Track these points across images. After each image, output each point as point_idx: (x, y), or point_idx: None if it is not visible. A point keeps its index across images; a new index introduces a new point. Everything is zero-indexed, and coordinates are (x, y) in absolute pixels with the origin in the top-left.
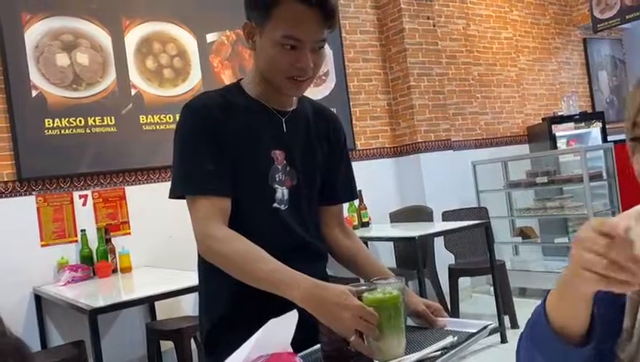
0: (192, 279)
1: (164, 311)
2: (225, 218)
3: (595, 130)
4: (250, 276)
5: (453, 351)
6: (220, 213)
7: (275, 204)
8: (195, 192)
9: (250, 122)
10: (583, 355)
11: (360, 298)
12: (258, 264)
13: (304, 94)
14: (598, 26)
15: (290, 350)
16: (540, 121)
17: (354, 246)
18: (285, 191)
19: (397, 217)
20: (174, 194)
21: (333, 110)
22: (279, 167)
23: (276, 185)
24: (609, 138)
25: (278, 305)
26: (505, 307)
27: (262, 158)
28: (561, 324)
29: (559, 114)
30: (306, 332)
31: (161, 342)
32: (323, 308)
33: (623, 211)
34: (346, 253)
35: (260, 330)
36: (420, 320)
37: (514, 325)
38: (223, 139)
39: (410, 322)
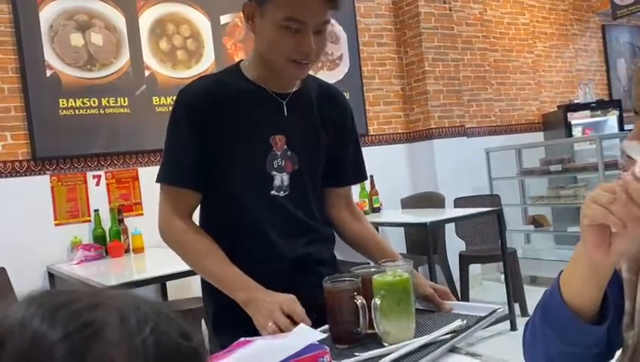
0: None
1: (175, 291)
2: (190, 211)
3: (611, 119)
4: (201, 270)
5: (463, 335)
6: (184, 206)
7: (273, 191)
8: (165, 181)
9: (248, 108)
10: (597, 334)
11: (370, 281)
12: (208, 260)
13: (310, 72)
14: (618, 12)
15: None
16: (556, 109)
17: (363, 229)
18: (285, 178)
19: (408, 203)
20: (160, 181)
21: (346, 95)
22: (278, 153)
23: (274, 172)
24: (626, 127)
25: (279, 291)
26: (515, 295)
27: (259, 145)
28: (574, 303)
29: (575, 101)
30: (316, 314)
31: None
32: (260, 307)
33: None
34: (355, 236)
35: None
36: (428, 303)
37: (524, 313)
38: (212, 129)
39: (417, 305)
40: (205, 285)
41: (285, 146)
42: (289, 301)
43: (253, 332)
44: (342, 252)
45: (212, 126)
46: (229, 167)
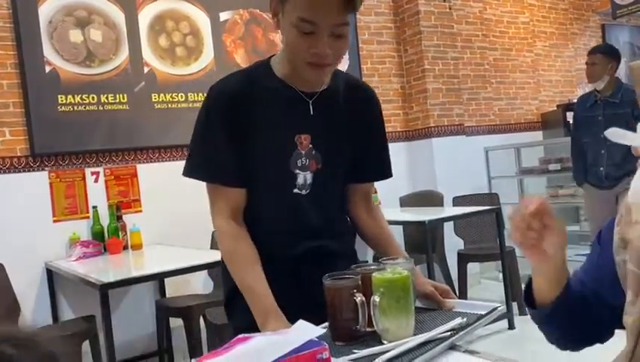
0: (202, 257)
1: (173, 288)
2: (234, 207)
3: None
4: (234, 278)
5: (462, 333)
6: (228, 204)
7: (296, 190)
8: (205, 180)
9: (275, 108)
10: (541, 314)
11: (369, 278)
12: (243, 275)
13: (338, 67)
14: (618, 12)
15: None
16: (555, 108)
17: (377, 227)
18: (308, 176)
19: (407, 201)
20: (186, 175)
21: None
22: (302, 152)
23: (297, 171)
24: None
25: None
26: (513, 293)
27: (284, 144)
28: (536, 294)
29: (574, 101)
30: (317, 312)
31: (170, 318)
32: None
33: (625, 205)
34: (369, 233)
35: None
36: (428, 301)
37: (522, 311)
38: (240, 127)
39: (417, 303)
40: (222, 269)
41: (310, 145)
42: None
43: None
44: (364, 246)
45: (240, 125)
46: (254, 165)
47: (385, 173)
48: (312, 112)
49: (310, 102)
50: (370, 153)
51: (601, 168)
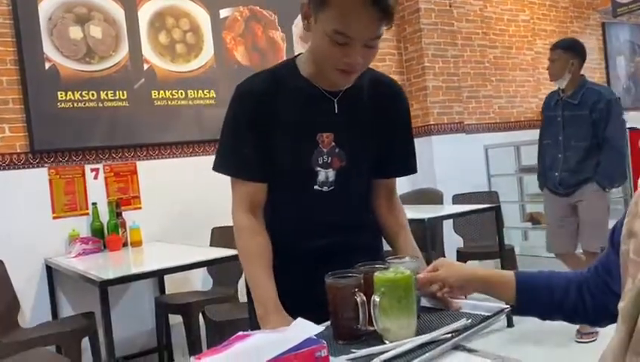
0: (201, 254)
1: (173, 285)
2: (254, 202)
3: None
4: (244, 270)
5: (465, 334)
6: (248, 198)
7: (317, 187)
8: (230, 174)
9: (299, 107)
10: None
11: (372, 277)
12: (249, 264)
13: None
14: (618, 10)
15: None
16: None
17: (396, 225)
18: (331, 173)
19: (407, 199)
20: (215, 170)
21: None
22: (324, 150)
23: (318, 168)
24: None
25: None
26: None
27: (305, 142)
28: None
29: None
30: (318, 311)
31: (169, 315)
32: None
33: (635, 197)
34: (389, 230)
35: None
36: (436, 301)
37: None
38: (264, 125)
39: (425, 303)
40: None
41: (333, 143)
42: None
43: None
44: None
45: (264, 124)
46: (275, 162)
47: (409, 168)
48: (336, 111)
49: (335, 100)
50: (395, 148)
51: (556, 173)
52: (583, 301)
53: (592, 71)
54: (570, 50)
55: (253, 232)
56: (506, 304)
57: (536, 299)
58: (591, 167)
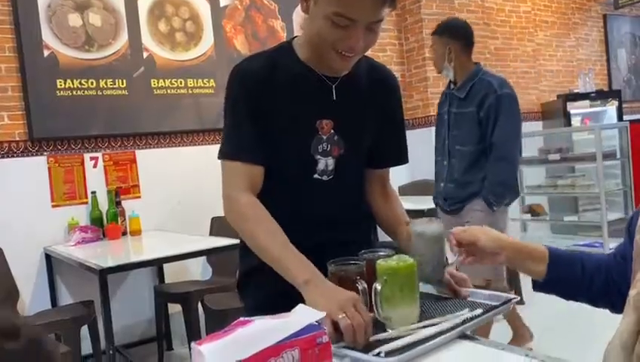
0: (200, 244)
1: (172, 274)
2: (252, 184)
3: (610, 109)
4: (259, 248)
5: (472, 323)
6: (247, 179)
7: (316, 175)
8: (226, 157)
9: (297, 92)
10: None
11: (374, 265)
12: (269, 238)
13: None
14: (620, 2)
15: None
16: (555, 98)
17: (392, 215)
18: (330, 162)
19: (406, 190)
20: (219, 157)
21: None
22: (324, 137)
23: (318, 156)
24: (625, 117)
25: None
26: (512, 282)
27: (305, 129)
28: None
29: (575, 91)
30: None
31: (168, 304)
32: (325, 292)
33: (635, 191)
34: (384, 220)
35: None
36: (443, 289)
37: (520, 301)
38: (264, 106)
39: (432, 291)
40: (241, 249)
41: (332, 131)
42: (357, 298)
43: (273, 298)
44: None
45: (262, 110)
46: (275, 148)
47: (401, 158)
48: (334, 97)
49: (333, 87)
50: (387, 138)
51: (442, 184)
52: (608, 285)
53: (593, 63)
54: (445, 34)
55: (257, 206)
56: (533, 278)
57: (567, 274)
58: (478, 178)
